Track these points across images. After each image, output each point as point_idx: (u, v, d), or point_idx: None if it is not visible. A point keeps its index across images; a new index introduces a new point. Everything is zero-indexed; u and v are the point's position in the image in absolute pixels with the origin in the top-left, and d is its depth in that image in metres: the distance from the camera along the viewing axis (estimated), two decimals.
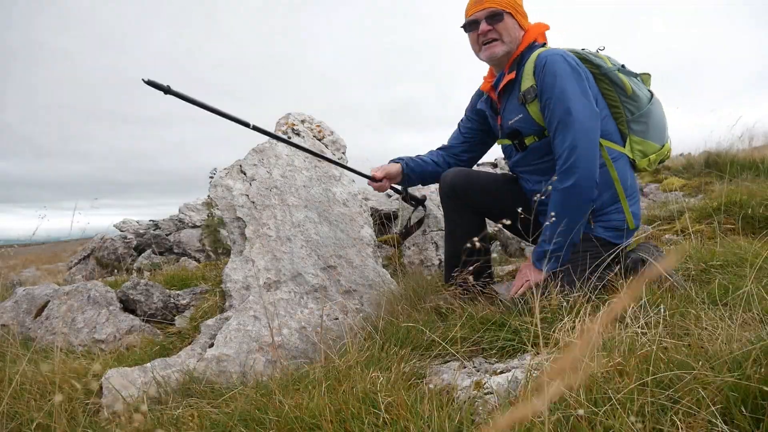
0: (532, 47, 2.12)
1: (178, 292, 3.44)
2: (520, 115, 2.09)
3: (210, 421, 1.45)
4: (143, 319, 2.99)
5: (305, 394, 1.43)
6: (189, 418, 1.52)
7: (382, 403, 1.28)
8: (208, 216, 6.53)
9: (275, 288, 2.42)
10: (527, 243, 3.79)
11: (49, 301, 2.95)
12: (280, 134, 2.91)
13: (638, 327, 1.40)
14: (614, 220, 2.05)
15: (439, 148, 2.61)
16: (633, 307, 1.53)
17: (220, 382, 2.00)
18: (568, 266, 1.93)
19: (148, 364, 2.07)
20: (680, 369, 1.15)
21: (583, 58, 2.08)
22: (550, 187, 1.90)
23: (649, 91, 2.15)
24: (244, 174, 2.65)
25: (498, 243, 4.22)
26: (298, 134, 2.95)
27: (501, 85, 2.15)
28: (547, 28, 2.17)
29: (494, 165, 7.93)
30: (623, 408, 1.07)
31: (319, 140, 3.03)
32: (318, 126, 3.10)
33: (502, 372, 1.47)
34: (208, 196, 6.09)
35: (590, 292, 1.74)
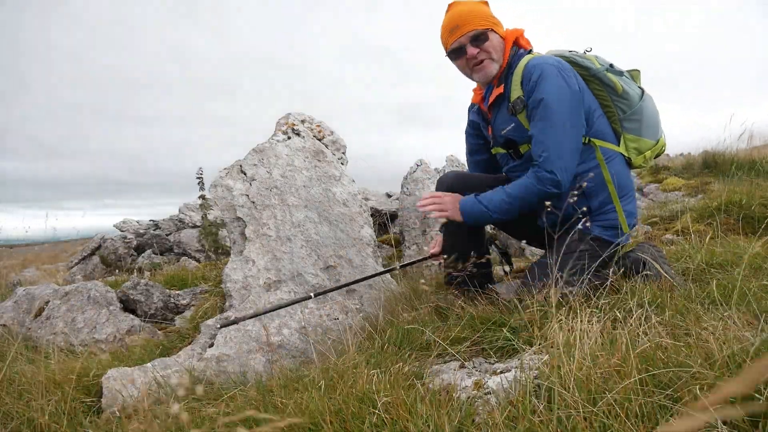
0: (517, 55, 2.12)
1: (178, 292, 3.45)
2: (512, 125, 2.11)
3: (210, 421, 1.46)
4: (143, 319, 2.99)
5: (305, 394, 1.43)
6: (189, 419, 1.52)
7: (382, 403, 1.28)
8: (202, 218, 6.51)
9: (275, 288, 2.42)
10: (527, 244, 3.80)
11: (49, 301, 2.95)
12: (280, 133, 2.91)
13: (638, 327, 1.40)
14: (612, 219, 2.06)
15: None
16: (633, 307, 1.53)
17: (219, 381, 2.00)
18: (567, 266, 1.93)
19: (148, 364, 2.07)
20: (679, 369, 1.15)
21: (571, 61, 2.09)
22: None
23: (639, 87, 2.15)
24: (244, 174, 2.65)
25: (498, 243, 4.23)
26: (298, 134, 2.95)
27: (490, 100, 2.16)
28: (521, 32, 2.17)
29: None
30: (623, 408, 1.07)
31: (320, 140, 3.03)
32: (318, 126, 3.10)
33: (502, 372, 1.47)
34: (200, 197, 6.06)
35: (590, 291, 1.74)
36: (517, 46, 2.14)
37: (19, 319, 2.86)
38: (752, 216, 3.14)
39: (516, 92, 2.04)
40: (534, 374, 1.30)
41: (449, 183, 2.27)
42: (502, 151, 2.26)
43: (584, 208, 1.91)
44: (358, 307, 2.54)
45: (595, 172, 2.02)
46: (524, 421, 1.12)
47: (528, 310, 1.72)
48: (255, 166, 2.69)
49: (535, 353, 1.45)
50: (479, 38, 2.06)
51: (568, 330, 1.40)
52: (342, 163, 3.09)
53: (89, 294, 2.94)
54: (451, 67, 2.24)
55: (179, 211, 8.91)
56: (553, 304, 1.53)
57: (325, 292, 2.30)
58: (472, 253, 1.99)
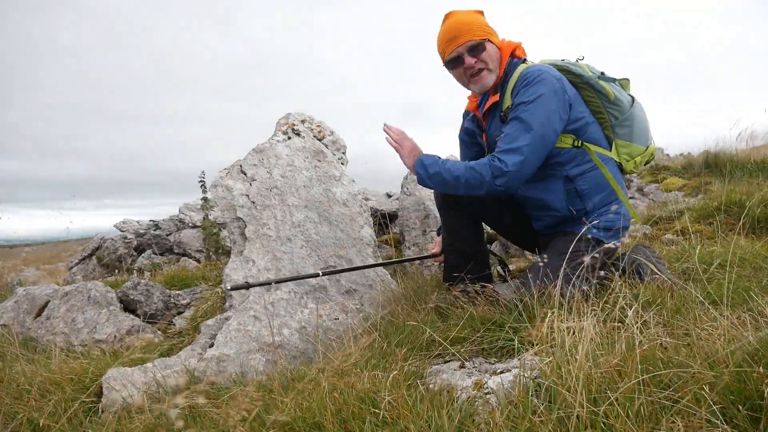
0: (512, 64, 2.13)
1: (178, 292, 3.45)
2: None
3: (210, 421, 1.46)
4: (143, 320, 2.99)
5: (305, 394, 1.43)
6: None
7: (383, 402, 1.28)
8: (204, 219, 6.52)
9: (275, 288, 2.42)
10: (518, 248, 3.82)
11: (49, 301, 2.95)
12: (280, 133, 2.91)
13: (638, 327, 1.40)
14: (608, 220, 2.07)
15: None
16: (632, 307, 1.53)
17: (219, 382, 2.00)
18: (567, 266, 1.93)
19: (149, 364, 2.07)
20: (680, 369, 1.15)
21: (564, 69, 2.11)
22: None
23: (629, 95, 2.18)
24: (245, 174, 2.65)
25: (498, 243, 4.22)
26: (298, 134, 2.95)
27: (485, 108, 2.17)
28: (519, 45, 2.18)
29: None
30: (623, 408, 1.07)
31: (320, 140, 3.03)
32: (318, 126, 3.10)
33: (502, 372, 1.47)
34: (202, 198, 6.08)
35: (590, 291, 1.74)
36: (513, 56, 2.15)
37: (19, 319, 2.86)
38: (752, 216, 3.14)
39: (509, 101, 2.06)
40: (534, 374, 1.30)
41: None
42: None
43: (580, 209, 1.92)
44: (358, 306, 2.54)
45: (591, 174, 2.05)
46: (525, 421, 1.12)
47: (528, 310, 1.72)
48: (255, 166, 2.69)
49: (535, 353, 1.45)
50: (477, 48, 2.06)
51: (568, 330, 1.40)
52: (342, 163, 3.09)
53: (89, 294, 2.94)
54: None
55: (179, 211, 8.90)
56: (555, 304, 1.53)
57: (333, 272, 2.39)
58: (471, 253, 1.99)
